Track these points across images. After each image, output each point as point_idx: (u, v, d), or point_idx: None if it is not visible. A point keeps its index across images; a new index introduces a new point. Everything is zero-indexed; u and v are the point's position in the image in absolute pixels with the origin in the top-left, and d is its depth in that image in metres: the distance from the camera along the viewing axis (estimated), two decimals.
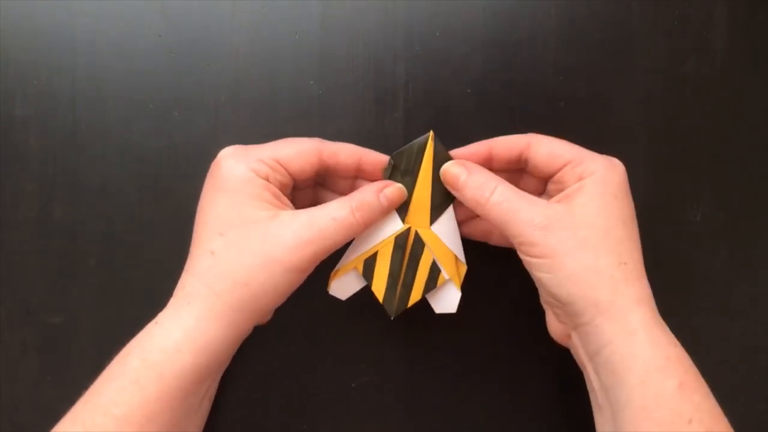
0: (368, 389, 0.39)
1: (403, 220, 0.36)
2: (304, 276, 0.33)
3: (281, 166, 0.33)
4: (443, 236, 0.36)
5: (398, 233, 0.36)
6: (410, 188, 0.36)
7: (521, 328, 0.39)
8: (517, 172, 0.36)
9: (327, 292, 0.36)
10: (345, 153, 0.35)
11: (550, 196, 0.35)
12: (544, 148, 0.34)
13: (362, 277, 0.36)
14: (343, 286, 0.37)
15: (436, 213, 0.36)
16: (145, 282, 0.39)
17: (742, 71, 0.40)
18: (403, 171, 0.36)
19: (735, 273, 0.40)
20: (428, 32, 0.39)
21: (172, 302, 0.33)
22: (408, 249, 0.36)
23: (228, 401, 0.39)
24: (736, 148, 0.40)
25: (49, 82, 0.39)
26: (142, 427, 0.31)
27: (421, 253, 0.36)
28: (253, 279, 0.32)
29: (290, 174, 0.34)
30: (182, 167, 0.39)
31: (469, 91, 0.39)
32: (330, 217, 0.32)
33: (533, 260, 0.32)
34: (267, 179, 0.33)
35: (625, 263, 0.32)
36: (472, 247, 0.38)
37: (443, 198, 0.36)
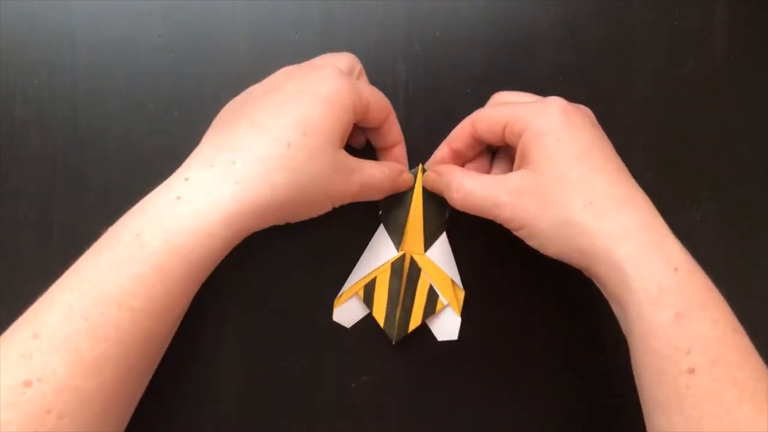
0: (368, 389, 0.39)
1: (398, 248, 0.37)
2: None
3: (366, 111, 0.33)
4: (438, 262, 0.38)
5: (394, 259, 0.37)
6: (404, 217, 0.38)
7: (522, 329, 0.39)
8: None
9: (326, 286, 0.37)
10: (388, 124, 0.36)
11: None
12: (484, 122, 0.34)
13: (364, 304, 0.37)
14: (347, 313, 0.38)
15: (430, 240, 0.38)
16: None
17: (742, 71, 0.40)
18: (395, 201, 0.38)
19: (735, 273, 0.40)
20: (428, 32, 0.39)
21: (205, 174, 0.29)
22: (405, 274, 0.37)
23: (228, 401, 0.39)
24: (736, 148, 0.40)
25: (49, 82, 0.39)
26: (161, 318, 0.28)
27: (418, 278, 0.37)
28: (305, 195, 0.31)
29: (360, 120, 0.34)
30: None
31: (469, 91, 0.39)
32: (377, 184, 0.34)
33: (517, 233, 0.33)
34: (353, 118, 0.33)
35: (591, 202, 0.30)
36: (473, 251, 0.38)
37: (436, 225, 0.38)
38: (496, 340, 0.39)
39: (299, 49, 0.39)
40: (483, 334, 0.39)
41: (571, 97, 0.39)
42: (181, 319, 0.31)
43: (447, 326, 0.38)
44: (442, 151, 0.37)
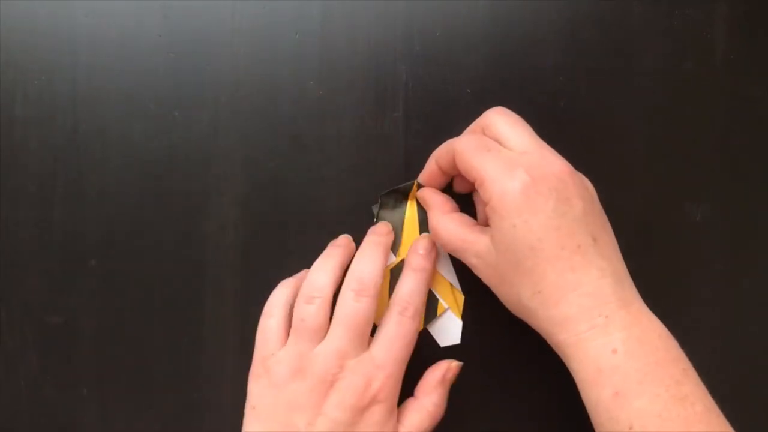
0: None
1: (396, 254, 0.38)
2: None
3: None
4: (436, 266, 0.38)
5: (393, 266, 0.37)
6: (399, 225, 0.38)
7: (523, 329, 0.39)
8: None
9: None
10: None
11: None
12: (460, 163, 0.34)
13: None
14: None
15: None
16: (145, 282, 0.39)
17: (742, 71, 0.40)
18: (391, 209, 0.38)
19: (735, 273, 0.40)
20: (428, 32, 0.39)
21: None
22: None
23: (228, 401, 0.39)
24: (736, 148, 0.40)
25: (49, 82, 0.39)
26: None
27: None
28: None
29: None
30: (182, 167, 0.39)
31: (469, 91, 0.39)
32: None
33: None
34: None
35: (539, 291, 0.31)
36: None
37: None
38: (494, 343, 0.39)
39: (299, 49, 0.39)
40: (482, 338, 0.39)
41: (572, 97, 0.39)
42: None
43: (449, 331, 0.38)
44: (430, 166, 0.37)
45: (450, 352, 0.39)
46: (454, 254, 0.35)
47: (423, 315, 0.37)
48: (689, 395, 0.30)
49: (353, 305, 0.34)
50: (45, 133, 0.39)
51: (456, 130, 0.38)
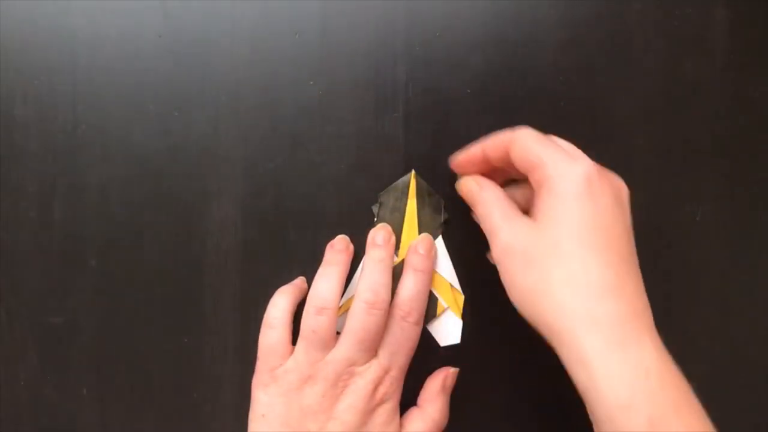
0: None
1: (396, 254, 0.38)
2: None
3: None
4: (435, 265, 0.38)
5: (393, 265, 0.37)
6: (399, 224, 0.38)
7: (523, 328, 0.39)
8: None
9: None
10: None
11: None
12: (517, 151, 0.33)
13: None
14: None
15: None
16: (145, 282, 0.39)
17: (742, 71, 0.40)
18: (391, 209, 0.38)
19: (735, 273, 0.40)
20: (428, 32, 0.39)
21: None
22: None
23: (228, 401, 0.39)
24: (736, 148, 0.40)
25: (49, 82, 0.39)
26: None
27: None
28: None
29: None
30: (182, 167, 0.39)
31: (469, 91, 0.39)
32: None
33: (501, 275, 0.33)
34: None
35: (573, 280, 0.29)
36: (469, 255, 0.38)
37: (432, 230, 0.38)
38: (494, 342, 0.39)
39: (299, 49, 0.39)
40: (482, 337, 0.39)
41: (572, 97, 0.39)
42: None
43: (449, 330, 0.38)
44: (474, 151, 0.36)
45: (450, 351, 0.39)
46: (490, 232, 0.33)
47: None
48: (712, 430, 0.29)
49: (366, 318, 0.34)
50: (45, 133, 0.39)
51: (456, 130, 0.38)
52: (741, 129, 0.40)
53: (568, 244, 0.30)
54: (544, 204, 0.31)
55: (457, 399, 0.39)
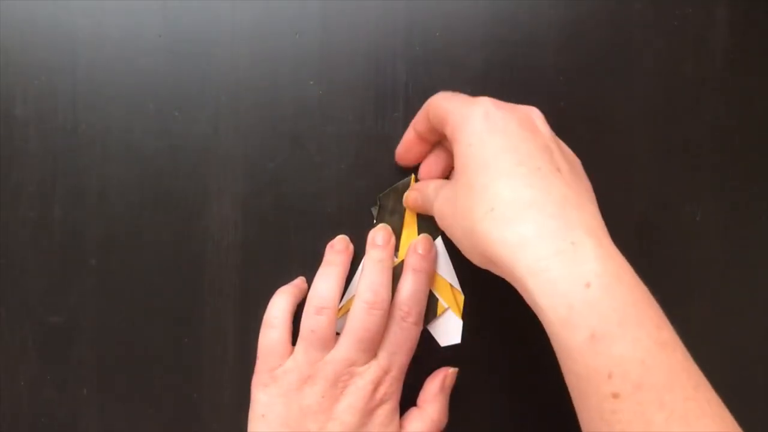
0: None
1: (396, 255, 0.38)
2: None
3: None
4: (435, 266, 0.38)
5: (393, 266, 0.37)
6: (399, 226, 0.38)
7: (524, 328, 0.39)
8: None
9: None
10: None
11: None
12: (431, 112, 0.34)
13: None
14: None
15: None
16: (145, 282, 0.39)
17: (742, 71, 0.40)
18: (390, 210, 0.38)
19: (735, 273, 0.40)
20: (428, 32, 0.39)
21: None
22: None
23: (228, 401, 0.39)
24: (736, 148, 0.40)
25: (49, 82, 0.39)
26: None
27: None
28: None
29: None
30: (182, 167, 0.39)
31: (469, 91, 0.39)
32: None
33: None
34: None
35: (492, 209, 0.28)
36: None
37: (431, 231, 0.38)
38: (494, 341, 0.39)
39: (299, 49, 0.39)
40: (481, 336, 0.39)
41: (572, 97, 0.39)
42: None
43: (449, 330, 0.38)
44: (408, 134, 0.37)
45: (450, 351, 0.39)
46: (426, 210, 0.36)
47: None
48: (669, 341, 0.26)
49: (366, 318, 0.34)
50: (45, 133, 0.39)
51: None
52: (741, 129, 0.40)
53: (480, 179, 0.29)
54: (456, 154, 0.31)
55: (457, 399, 0.39)
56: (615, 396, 0.25)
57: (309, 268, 0.38)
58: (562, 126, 0.39)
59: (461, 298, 0.38)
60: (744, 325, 0.40)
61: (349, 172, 0.39)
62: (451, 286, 0.38)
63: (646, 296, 0.27)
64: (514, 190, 0.28)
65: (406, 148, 0.37)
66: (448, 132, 0.32)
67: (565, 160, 0.31)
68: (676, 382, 0.26)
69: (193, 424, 0.39)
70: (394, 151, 0.38)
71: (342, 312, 0.37)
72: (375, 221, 0.38)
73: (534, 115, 0.32)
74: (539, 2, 0.39)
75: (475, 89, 0.39)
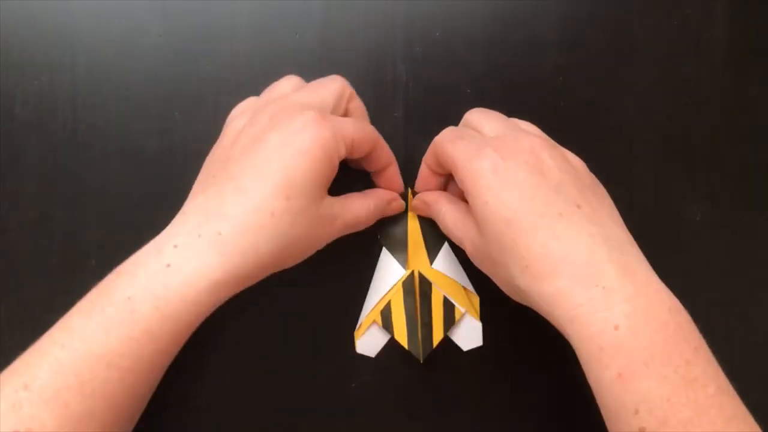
0: (368, 389, 0.39)
1: (404, 266, 0.37)
2: None
3: (351, 149, 0.33)
4: (447, 271, 0.38)
5: (403, 279, 0.36)
6: (404, 235, 0.38)
7: (524, 328, 0.39)
8: None
9: (326, 289, 0.36)
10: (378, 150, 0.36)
11: None
12: (439, 156, 0.34)
13: (384, 330, 0.37)
14: (369, 342, 0.37)
15: (433, 252, 0.38)
16: None
17: (742, 71, 0.40)
18: (393, 222, 0.38)
19: (735, 273, 0.40)
20: (428, 32, 0.39)
21: (193, 242, 0.30)
22: (417, 291, 0.37)
23: (227, 402, 0.39)
24: (736, 148, 0.40)
25: (49, 82, 0.39)
26: (147, 375, 0.30)
27: (431, 292, 0.37)
28: (288, 253, 0.32)
29: (347, 156, 0.33)
30: (182, 167, 0.39)
31: (469, 91, 0.39)
32: (362, 221, 0.36)
33: None
34: (337, 164, 0.32)
35: (527, 266, 0.29)
36: None
37: (436, 236, 0.38)
38: (497, 339, 0.39)
39: (299, 49, 0.39)
40: (485, 333, 0.39)
41: (572, 97, 0.39)
42: (164, 372, 0.32)
43: (470, 334, 0.37)
44: (422, 170, 0.37)
45: (469, 352, 0.38)
46: (458, 244, 0.35)
47: None
48: (700, 376, 0.28)
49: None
50: (45, 133, 0.39)
51: None
52: (741, 129, 0.40)
53: (506, 237, 0.30)
54: (474, 207, 0.31)
55: (463, 400, 0.39)
56: (642, 430, 0.27)
57: (309, 267, 0.38)
58: (562, 126, 0.39)
59: (476, 299, 0.38)
60: (744, 324, 0.40)
61: (349, 171, 0.39)
62: (465, 289, 0.38)
63: (681, 331, 0.29)
64: (542, 245, 0.29)
65: (425, 182, 0.37)
66: (459, 182, 0.32)
67: (579, 186, 0.31)
68: (704, 418, 0.27)
69: (193, 423, 0.39)
70: (394, 151, 0.38)
71: (364, 328, 0.37)
72: (379, 236, 0.38)
73: (537, 146, 0.31)
74: (539, 2, 0.39)
75: (475, 89, 0.39)
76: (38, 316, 0.39)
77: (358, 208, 0.35)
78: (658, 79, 0.40)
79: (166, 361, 0.31)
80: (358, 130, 0.33)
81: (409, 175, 0.38)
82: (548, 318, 0.30)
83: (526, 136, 0.32)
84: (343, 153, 0.32)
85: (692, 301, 0.40)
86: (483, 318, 0.36)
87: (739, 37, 0.40)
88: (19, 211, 0.39)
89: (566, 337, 0.30)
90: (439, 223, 0.36)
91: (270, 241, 0.31)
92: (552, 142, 0.33)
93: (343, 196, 0.35)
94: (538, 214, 0.29)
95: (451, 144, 0.33)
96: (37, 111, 0.39)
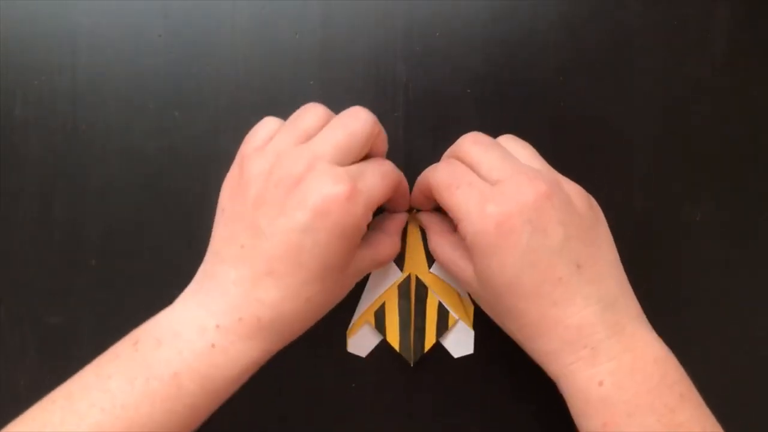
0: (368, 389, 0.39)
1: (402, 269, 0.37)
2: None
3: (376, 204, 0.32)
4: (444, 276, 0.38)
5: (399, 281, 0.36)
6: (403, 238, 0.38)
7: None
8: None
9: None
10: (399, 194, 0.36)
11: None
12: (437, 198, 0.33)
13: (377, 331, 0.37)
14: (361, 342, 0.37)
15: (431, 257, 0.37)
16: (145, 282, 0.39)
17: (742, 71, 0.40)
18: None
19: (735, 273, 0.40)
20: (428, 32, 0.39)
21: (235, 325, 0.30)
22: (412, 294, 0.37)
23: (225, 403, 0.39)
24: (736, 148, 0.40)
25: (49, 82, 0.39)
26: None
27: (426, 297, 0.37)
28: (320, 316, 0.33)
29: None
30: (182, 167, 0.39)
31: (469, 91, 0.39)
32: (390, 259, 0.36)
33: None
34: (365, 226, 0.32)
35: (523, 326, 0.31)
36: None
37: None
38: (497, 339, 0.39)
39: (299, 49, 0.39)
40: (484, 333, 0.39)
41: (572, 97, 0.39)
42: None
43: (462, 341, 0.38)
44: (415, 193, 0.37)
45: (463, 361, 0.38)
46: (449, 275, 0.36)
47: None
48: (685, 422, 0.29)
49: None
50: (45, 133, 0.39)
51: (456, 130, 0.38)
52: (741, 129, 0.40)
53: (505, 300, 0.31)
54: (475, 261, 0.32)
55: (458, 398, 0.39)
56: None
57: None
58: (562, 126, 0.39)
59: (471, 308, 0.38)
60: (744, 324, 0.40)
61: None
62: (461, 296, 0.38)
63: (667, 379, 0.30)
64: (540, 312, 0.31)
65: (418, 202, 0.37)
66: (460, 231, 0.32)
67: (582, 237, 0.31)
68: None
69: None
70: (394, 151, 0.38)
71: (356, 327, 0.37)
72: None
73: (540, 196, 0.30)
74: (539, 2, 0.39)
75: (475, 89, 0.39)
76: (38, 316, 0.39)
77: (389, 249, 0.35)
78: (658, 78, 0.40)
79: (201, 423, 0.32)
80: (386, 187, 0.32)
81: (409, 175, 0.38)
82: (542, 367, 0.32)
83: (529, 182, 0.30)
84: (370, 218, 0.32)
85: (692, 301, 0.40)
86: (478, 324, 0.36)
87: (739, 37, 0.40)
88: (19, 210, 0.39)
89: (558, 387, 0.32)
90: (431, 251, 0.36)
91: (306, 321, 0.32)
92: (554, 179, 0.32)
93: (370, 242, 0.34)
94: (539, 281, 0.30)
95: (448, 192, 0.32)
96: (37, 111, 0.39)
